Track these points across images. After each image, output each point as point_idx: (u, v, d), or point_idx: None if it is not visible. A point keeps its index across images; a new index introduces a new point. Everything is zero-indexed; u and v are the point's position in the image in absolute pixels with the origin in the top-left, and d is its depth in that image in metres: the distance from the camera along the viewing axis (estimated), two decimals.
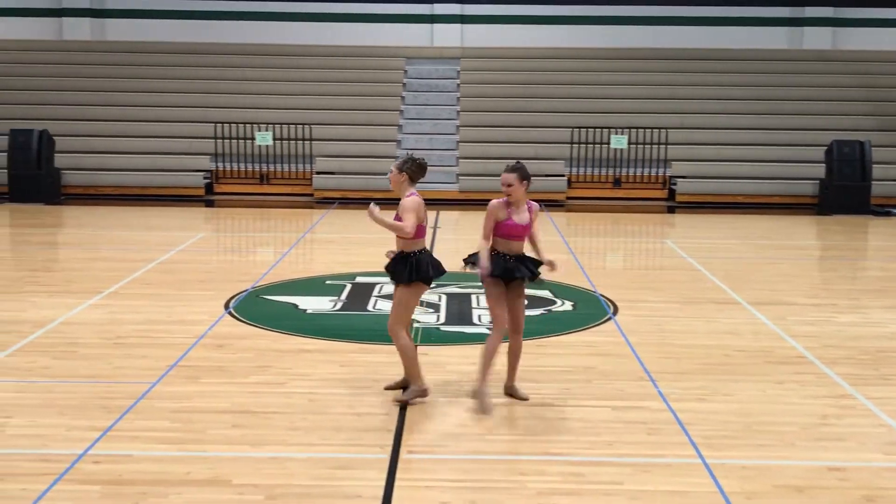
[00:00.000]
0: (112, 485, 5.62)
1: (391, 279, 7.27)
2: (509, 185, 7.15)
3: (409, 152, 7.54)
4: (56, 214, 18.57)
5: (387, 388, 7.45)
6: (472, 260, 7.31)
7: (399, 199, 7.15)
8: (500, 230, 7.17)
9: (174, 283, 11.55)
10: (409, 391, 7.21)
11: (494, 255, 7.19)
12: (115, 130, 22.61)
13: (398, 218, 7.06)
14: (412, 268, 7.07)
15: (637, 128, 22.28)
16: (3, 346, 8.53)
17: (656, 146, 22.05)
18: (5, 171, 20.17)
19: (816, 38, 26.76)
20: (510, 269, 7.13)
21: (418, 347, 8.60)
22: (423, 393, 7.20)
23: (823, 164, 20.92)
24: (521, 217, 7.18)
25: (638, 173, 22.05)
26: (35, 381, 7.58)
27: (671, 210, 20.73)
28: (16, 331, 9.09)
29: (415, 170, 7.19)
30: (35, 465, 5.90)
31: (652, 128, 22.25)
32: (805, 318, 10.25)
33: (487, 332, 9.30)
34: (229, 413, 6.89)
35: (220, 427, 6.60)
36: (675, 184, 21.68)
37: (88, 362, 8.12)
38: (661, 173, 22.03)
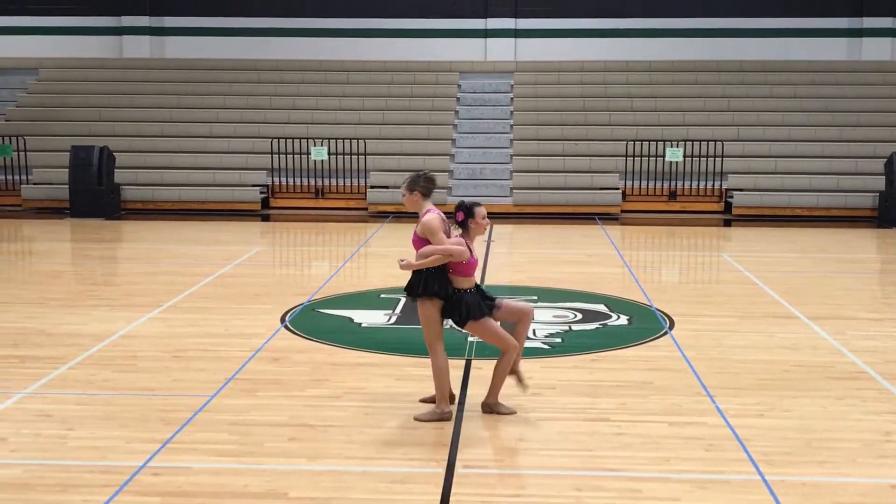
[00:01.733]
0: (171, 496, 5.69)
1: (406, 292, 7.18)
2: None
3: (422, 171, 7.43)
4: (116, 229, 18.88)
5: (421, 401, 7.44)
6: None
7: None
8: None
9: (231, 297, 11.68)
10: (429, 412, 7.15)
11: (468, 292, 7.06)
12: (174, 146, 22.95)
13: (423, 240, 6.96)
14: (423, 283, 6.97)
15: (693, 140, 22.11)
16: (65, 360, 8.68)
17: (712, 159, 21.85)
18: (67, 186, 20.56)
19: (875, 49, 26.36)
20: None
21: (472, 361, 8.62)
22: (445, 416, 7.08)
23: (883, 177, 20.59)
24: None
25: (693, 186, 21.85)
26: (96, 394, 7.70)
27: (727, 223, 20.51)
28: (77, 344, 9.24)
29: (426, 185, 7.15)
30: (96, 476, 5.99)
31: (708, 140, 22.06)
32: (865, 332, 10.08)
33: (544, 346, 9.30)
34: (286, 426, 6.94)
35: (276, 440, 6.65)
36: (731, 196, 21.45)
37: (148, 375, 8.23)
38: (717, 186, 21.82)
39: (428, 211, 7.08)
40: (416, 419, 7.10)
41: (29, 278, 13.55)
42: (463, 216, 7.08)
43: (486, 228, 7.24)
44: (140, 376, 8.20)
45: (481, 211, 7.15)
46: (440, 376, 7.12)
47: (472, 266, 7.10)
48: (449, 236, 7.02)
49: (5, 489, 5.79)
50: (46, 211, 21.07)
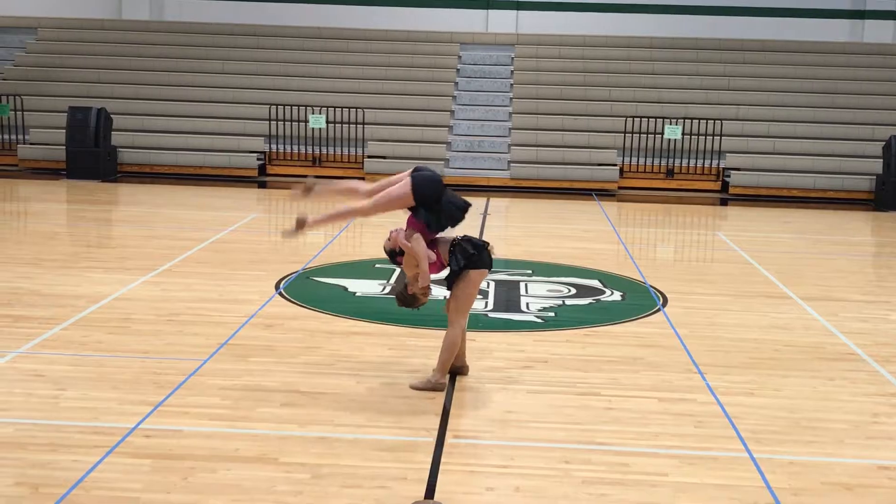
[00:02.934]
0: (162, 459, 5.72)
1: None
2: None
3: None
4: (112, 192, 18.84)
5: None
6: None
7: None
8: None
9: (226, 263, 11.68)
10: (424, 381, 7.17)
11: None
12: (172, 110, 22.86)
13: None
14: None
15: (692, 118, 22.06)
16: (58, 320, 8.69)
17: (710, 137, 21.82)
18: (63, 147, 20.49)
19: (878, 31, 26.29)
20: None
21: (465, 333, 8.63)
22: (439, 387, 7.10)
23: (881, 160, 20.58)
24: None
25: (691, 164, 21.83)
26: (89, 355, 7.72)
27: (724, 202, 20.52)
28: (71, 305, 9.25)
29: None
30: (87, 437, 6.01)
31: (707, 118, 22.01)
32: (858, 314, 10.12)
33: (537, 320, 9.32)
34: (278, 392, 6.97)
35: (268, 406, 6.68)
36: (728, 176, 21.45)
37: (141, 338, 8.24)
38: (714, 165, 21.80)
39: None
40: (411, 387, 7.13)
41: (24, 238, 13.53)
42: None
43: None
44: (133, 339, 8.21)
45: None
46: (452, 350, 7.15)
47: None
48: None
49: None
50: (43, 171, 21.01)
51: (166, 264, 11.38)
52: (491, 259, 7.19)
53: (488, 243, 7.23)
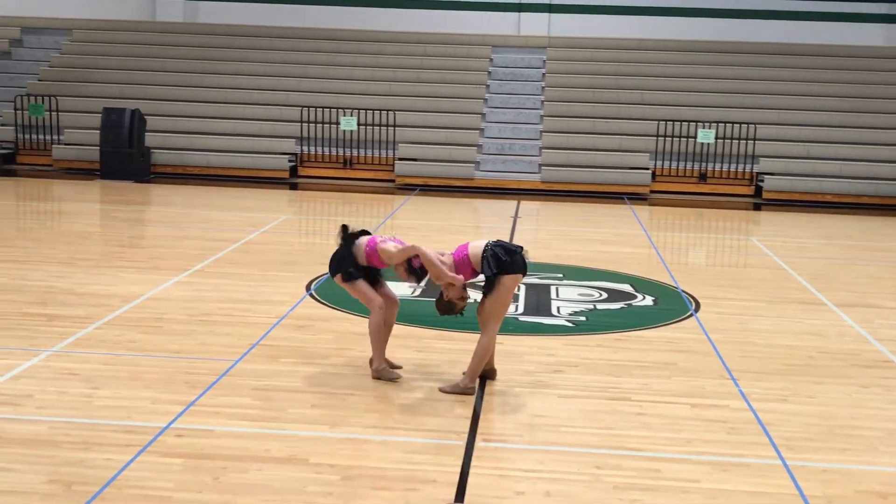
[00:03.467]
0: (193, 458, 5.74)
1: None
2: None
3: None
4: (145, 192, 18.97)
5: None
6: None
7: None
8: None
9: (258, 264, 11.73)
10: (453, 385, 7.17)
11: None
12: (205, 112, 22.99)
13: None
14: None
15: (725, 122, 21.91)
16: (92, 319, 8.76)
17: (744, 141, 21.66)
18: (97, 148, 20.66)
19: None
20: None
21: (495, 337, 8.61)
22: (468, 391, 7.11)
23: None
24: None
25: (724, 169, 21.68)
26: (122, 355, 7.77)
27: (757, 207, 20.36)
28: (105, 304, 9.32)
29: None
30: (120, 436, 6.05)
31: (740, 123, 21.86)
32: (893, 321, 10.01)
33: (568, 324, 9.29)
34: (308, 393, 6.98)
35: (299, 406, 6.69)
36: (762, 180, 21.28)
37: (174, 338, 8.29)
38: (748, 169, 21.64)
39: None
40: (441, 390, 7.12)
41: (58, 238, 13.65)
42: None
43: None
44: (166, 338, 8.26)
45: None
46: (484, 356, 7.15)
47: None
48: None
49: (31, 445, 5.86)
50: (77, 172, 21.19)
51: (198, 265, 11.44)
52: (525, 263, 7.16)
53: (522, 247, 7.20)
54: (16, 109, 22.20)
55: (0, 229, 14.01)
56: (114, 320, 8.79)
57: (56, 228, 14.95)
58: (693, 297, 10.69)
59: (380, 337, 7.36)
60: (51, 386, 6.93)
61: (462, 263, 7.11)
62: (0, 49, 25.75)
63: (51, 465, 5.58)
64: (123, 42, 25.86)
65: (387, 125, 22.08)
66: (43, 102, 22.17)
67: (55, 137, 22.18)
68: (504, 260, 7.00)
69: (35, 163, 21.95)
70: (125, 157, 20.38)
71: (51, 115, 22.16)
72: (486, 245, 7.09)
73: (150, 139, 21.44)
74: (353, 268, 7.30)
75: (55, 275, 10.64)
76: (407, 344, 8.40)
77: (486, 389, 7.24)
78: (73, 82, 23.94)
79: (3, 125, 22.70)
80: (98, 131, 20.71)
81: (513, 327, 9.14)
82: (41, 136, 22.24)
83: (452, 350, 8.21)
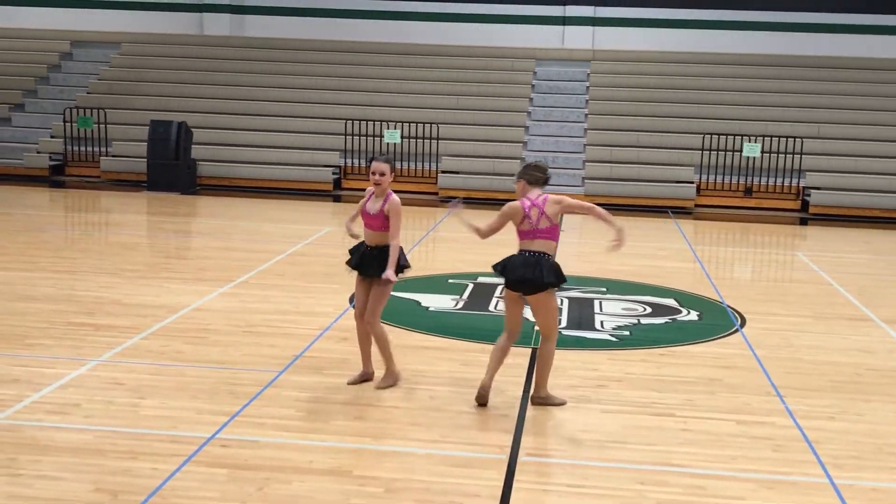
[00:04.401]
0: (238, 469, 5.78)
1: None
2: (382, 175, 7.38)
3: (534, 161, 7.55)
4: (191, 204, 19.16)
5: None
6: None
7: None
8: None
9: (302, 276, 11.79)
10: (543, 397, 7.22)
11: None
12: (250, 124, 23.20)
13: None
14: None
15: (771, 136, 21.72)
16: (138, 329, 8.85)
17: (790, 156, 21.45)
18: (145, 160, 20.91)
19: None
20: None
21: (537, 350, 8.58)
22: (558, 402, 7.21)
23: None
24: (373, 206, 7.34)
25: (770, 183, 21.49)
26: (168, 365, 7.84)
27: (803, 222, 20.15)
28: (151, 315, 9.42)
29: (531, 173, 7.20)
30: (165, 445, 6.10)
31: (787, 136, 21.65)
32: None
33: (611, 339, 9.23)
34: (352, 405, 7.00)
35: (343, 418, 6.71)
36: (808, 195, 21.05)
37: (219, 349, 8.35)
38: (794, 184, 21.42)
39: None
40: (533, 402, 7.16)
41: (105, 249, 13.82)
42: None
43: (374, 184, 7.40)
44: (211, 349, 8.33)
45: (372, 166, 7.46)
46: (551, 363, 7.23)
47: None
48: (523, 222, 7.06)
49: (77, 454, 5.93)
50: (124, 183, 21.46)
51: (243, 276, 11.53)
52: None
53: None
54: (65, 122, 22.56)
55: (49, 240, 14.22)
56: (159, 331, 8.88)
57: (103, 239, 15.13)
58: (738, 313, 10.59)
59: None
60: (97, 395, 7.01)
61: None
62: (50, 62, 26.19)
63: (97, 474, 5.64)
64: (171, 55, 26.21)
65: (430, 138, 22.14)
66: (92, 115, 22.49)
67: (103, 149, 22.49)
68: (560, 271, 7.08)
69: (83, 174, 22.27)
70: (172, 169, 20.61)
71: (99, 127, 22.47)
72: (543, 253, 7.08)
73: (197, 151, 21.67)
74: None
75: (102, 285, 10.77)
76: (451, 356, 8.40)
77: (529, 403, 7.21)
78: (121, 95, 24.28)
79: (52, 137, 23.06)
80: (145, 144, 20.98)
81: (557, 342, 9.08)
82: (90, 148, 22.56)
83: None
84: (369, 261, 7.34)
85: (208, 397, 7.04)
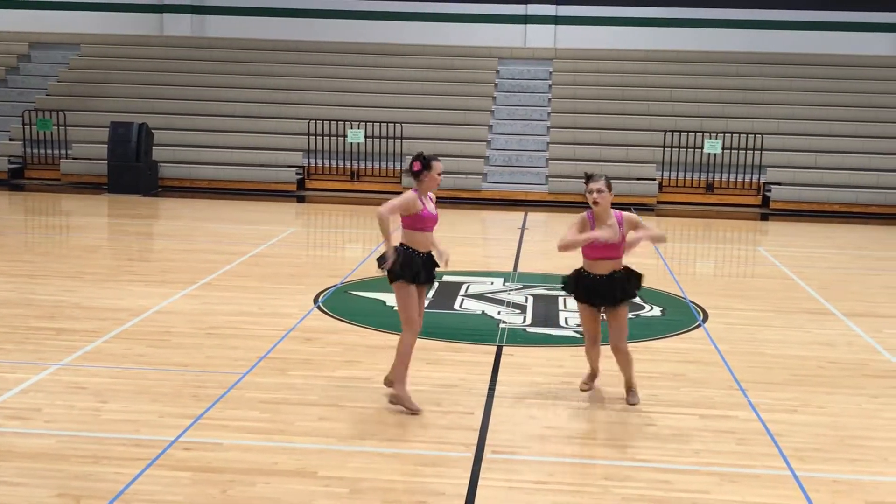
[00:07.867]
0: (201, 472, 5.74)
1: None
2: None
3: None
4: (153, 206, 19.01)
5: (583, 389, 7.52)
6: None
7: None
8: None
9: (265, 277, 11.73)
10: (633, 396, 7.32)
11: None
12: (212, 125, 23.06)
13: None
14: None
15: (731, 132, 21.91)
16: (100, 333, 8.77)
17: (751, 151, 21.65)
18: (105, 162, 20.73)
19: None
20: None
21: (504, 348, 8.61)
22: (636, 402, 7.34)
23: None
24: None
25: (731, 179, 21.67)
26: (130, 368, 7.78)
27: (764, 217, 20.34)
28: (113, 318, 9.33)
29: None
30: (128, 449, 6.05)
31: (747, 133, 21.85)
32: None
33: (575, 335, 9.27)
34: (317, 406, 6.97)
35: (307, 419, 6.69)
36: (769, 190, 21.26)
37: (181, 351, 8.29)
38: (755, 179, 21.62)
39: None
40: (630, 402, 7.25)
41: (66, 252, 13.68)
42: (419, 167, 7.01)
43: (438, 184, 7.10)
44: (174, 352, 8.27)
45: (438, 166, 7.04)
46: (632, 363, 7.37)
47: (425, 220, 7.05)
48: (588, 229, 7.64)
49: (39, 459, 5.86)
50: (85, 186, 21.26)
51: (206, 278, 11.46)
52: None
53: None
54: (24, 124, 22.32)
55: (9, 244, 14.05)
56: (122, 334, 8.80)
57: (64, 242, 14.98)
58: (701, 308, 10.67)
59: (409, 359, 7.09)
60: (59, 400, 6.93)
61: None
62: (8, 64, 25.89)
63: (59, 479, 5.58)
64: (131, 56, 25.99)
65: (394, 137, 22.12)
66: (51, 117, 22.26)
67: (63, 152, 22.27)
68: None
69: (43, 177, 22.05)
70: (133, 170, 20.45)
71: (59, 129, 22.25)
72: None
73: (158, 153, 21.51)
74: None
75: (63, 289, 10.66)
76: (417, 356, 8.37)
77: (495, 401, 7.22)
78: (80, 97, 24.05)
79: (11, 140, 22.80)
80: (106, 145, 20.80)
81: (521, 339, 9.13)
82: (49, 151, 22.34)
83: (462, 361, 8.20)
84: (430, 267, 7.10)
85: (171, 400, 6.98)
